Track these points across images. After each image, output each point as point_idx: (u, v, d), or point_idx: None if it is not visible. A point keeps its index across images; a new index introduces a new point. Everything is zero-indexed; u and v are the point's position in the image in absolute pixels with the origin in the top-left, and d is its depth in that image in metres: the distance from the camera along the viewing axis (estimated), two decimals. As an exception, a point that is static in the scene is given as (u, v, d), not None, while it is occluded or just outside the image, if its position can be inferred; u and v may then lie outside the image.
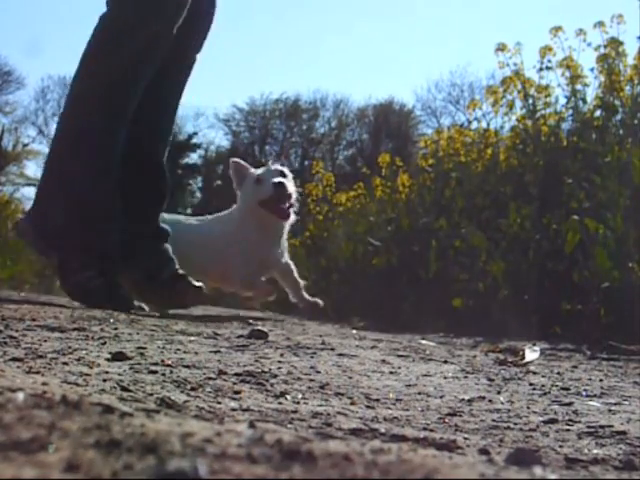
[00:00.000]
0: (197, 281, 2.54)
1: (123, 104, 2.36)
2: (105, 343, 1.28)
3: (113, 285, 2.25)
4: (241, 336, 1.66)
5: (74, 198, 2.33)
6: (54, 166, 2.41)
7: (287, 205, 2.86)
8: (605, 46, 3.72)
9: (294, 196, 2.90)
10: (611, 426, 0.88)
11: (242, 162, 3.05)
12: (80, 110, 2.38)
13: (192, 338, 1.51)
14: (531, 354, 1.73)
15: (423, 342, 2.23)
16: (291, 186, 2.91)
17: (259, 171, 2.98)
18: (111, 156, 2.37)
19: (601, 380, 1.37)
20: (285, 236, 3.05)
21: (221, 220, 3.10)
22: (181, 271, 2.51)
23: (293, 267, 3.17)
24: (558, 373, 1.44)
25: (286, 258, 3.13)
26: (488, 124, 4.65)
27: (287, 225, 2.98)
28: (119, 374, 0.95)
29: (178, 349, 1.29)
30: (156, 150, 2.63)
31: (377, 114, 28.96)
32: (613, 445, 0.79)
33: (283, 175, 2.93)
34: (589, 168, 3.44)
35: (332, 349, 1.50)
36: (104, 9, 2.38)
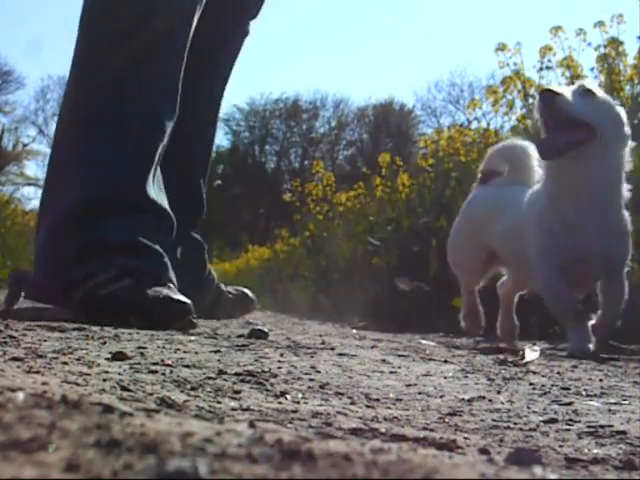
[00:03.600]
0: None
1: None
2: (105, 343, 1.28)
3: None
4: (241, 336, 1.66)
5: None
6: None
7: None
8: (605, 46, 3.72)
9: None
10: (611, 426, 0.88)
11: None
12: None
13: (192, 338, 1.51)
14: (531, 354, 1.73)
15: (423, 342, 2.23)
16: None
17: None
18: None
19: (601, 380, 1.37)
20: None
21: None
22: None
23: None
24: (558, 373, 1.44)
25: None
26: (488, 124, 4.66)
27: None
28: (119, 374, 0.95)
29: (178, 349, 1.29)
30: (195, 154, 2.31)
31: (377, 114, 28.98)
32: (613, 445, 0.79)
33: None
34: (589, 168, 3.43)
35: (332, 349, 1.50)
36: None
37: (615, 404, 1.07)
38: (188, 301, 1.69)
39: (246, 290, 2.50)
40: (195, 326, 1.73)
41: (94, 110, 1.85)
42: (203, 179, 2.36)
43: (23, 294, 1.83)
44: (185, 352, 1.26)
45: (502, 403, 1.02)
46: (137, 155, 1.83)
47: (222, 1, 2.22)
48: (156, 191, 1.85)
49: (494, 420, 0.89)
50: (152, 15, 1.87)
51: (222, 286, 2.42)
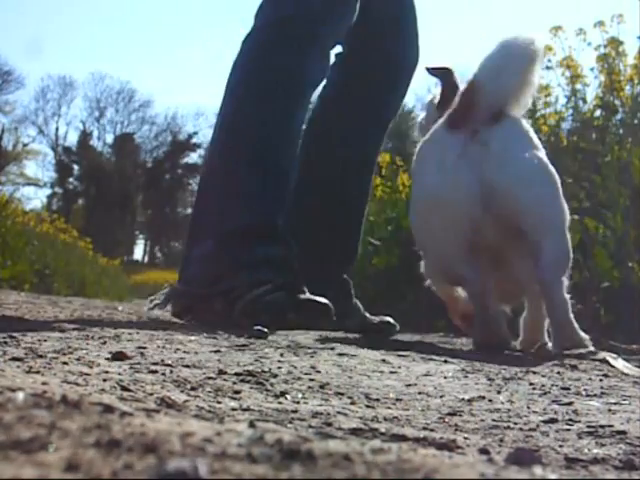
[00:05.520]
0: None
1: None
2: (105, 343, 1.28)
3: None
4: (241, 336, 1.66)
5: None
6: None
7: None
8: (605, 46, 3.72)
9: None
10: (611, 426, 0.88)
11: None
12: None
13: (192, 338, 1.51)
14: (615, 362, 1.67)
15: (423, 342, 2.22)
16: None
17: None
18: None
19: (601, 380, 1.37)
20: None
21: None
22: None
23: None
24: (558, 373, 1.44)
25: None
26: (488, 124, 4.64)
27: None
28: (119, 374, 0.95)
29: (178, 349, 1.29)
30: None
31: (377, 114, 28.96)
32: (613, 445, 0.79)
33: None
34: (589, 168, 3.44)
35: (332, 349, 1.50)
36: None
37: (615, 404, 1.07)
38: (329, 302, 2.03)
39: (388, 318, 2.63)
40: (335, 325, 2.08)
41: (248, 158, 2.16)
42: (359, 227, 2.71)
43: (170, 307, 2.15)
44: (185, 352, 1.26)
45: (502, 403, 1.02)
46: (279, 191, 2.20)
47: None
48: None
49: (494, 420, 0.89)
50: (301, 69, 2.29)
51: (367, 315, 2.62)
